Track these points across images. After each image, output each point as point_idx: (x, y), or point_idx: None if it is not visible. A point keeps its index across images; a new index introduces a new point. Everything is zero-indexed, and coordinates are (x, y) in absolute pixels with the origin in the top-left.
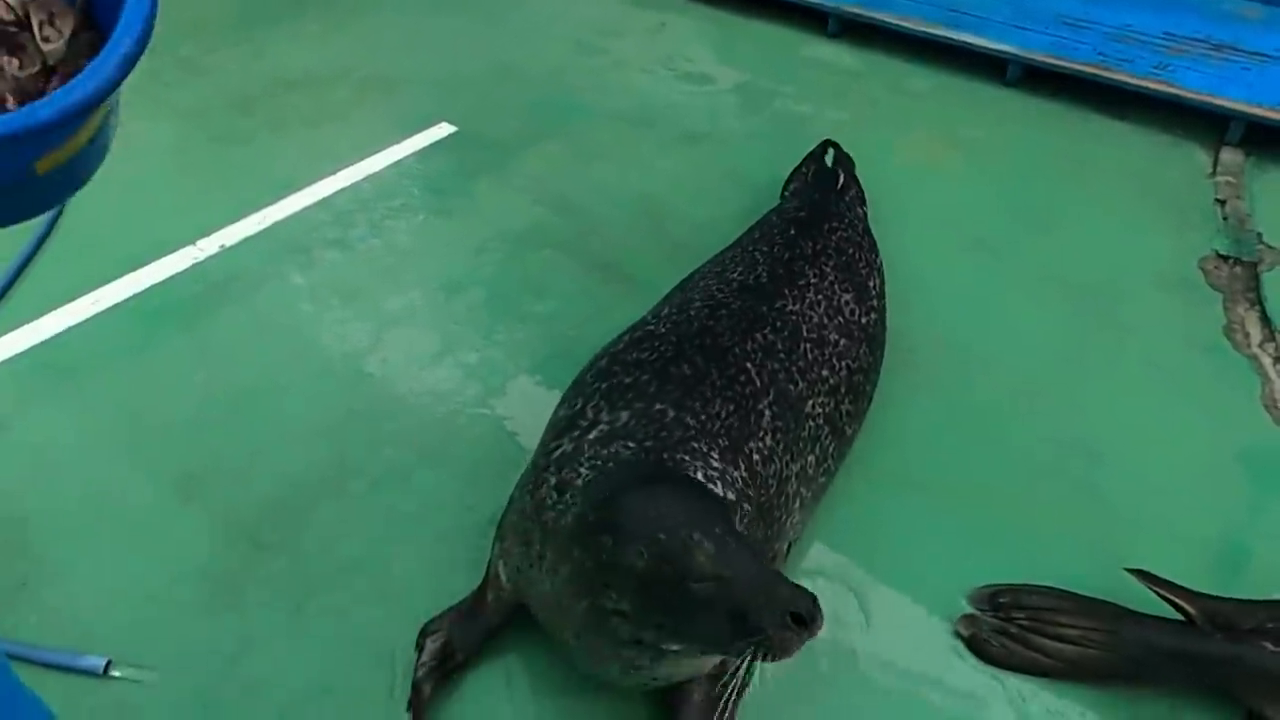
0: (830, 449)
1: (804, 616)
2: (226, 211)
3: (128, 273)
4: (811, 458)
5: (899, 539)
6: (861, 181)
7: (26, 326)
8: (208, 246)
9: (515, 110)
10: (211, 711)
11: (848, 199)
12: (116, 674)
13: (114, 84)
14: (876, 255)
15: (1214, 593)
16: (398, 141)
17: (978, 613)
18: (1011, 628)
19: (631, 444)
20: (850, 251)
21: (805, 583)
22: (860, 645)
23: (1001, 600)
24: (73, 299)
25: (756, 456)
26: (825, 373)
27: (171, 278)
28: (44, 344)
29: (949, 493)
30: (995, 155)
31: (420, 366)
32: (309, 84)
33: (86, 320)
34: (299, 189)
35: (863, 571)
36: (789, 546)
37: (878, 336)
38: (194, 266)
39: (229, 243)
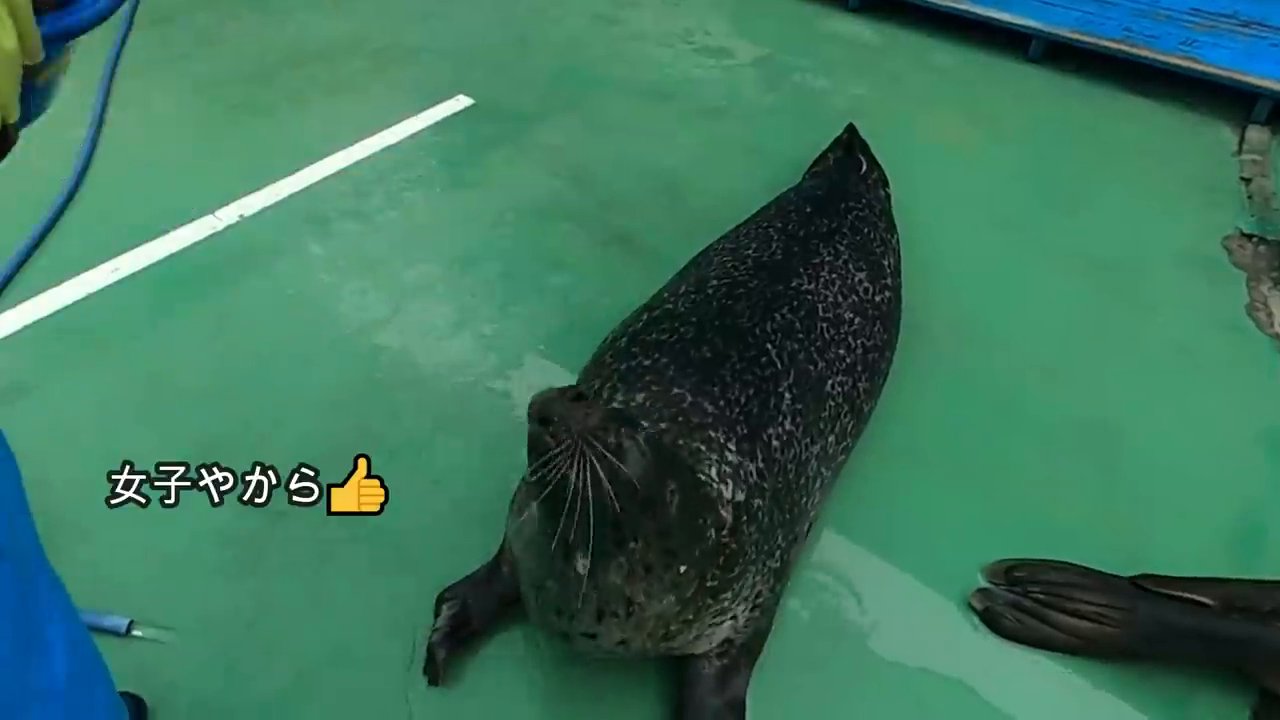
0: (849, 427)
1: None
2: (245, 181)
3: (147, 241)
4: (831, 438)
5: (915, 515)
6: (881, 158)
7: (47, 293)
8: (226, 216)
9: (532, 82)
10: (230, 673)
11: (870, 181)
12: (138, 634)
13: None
14: (893, 235)
15: (1231, 573)
16: (415, 113)
17: (992, 587)
18: (1026, 602)
19: (645, 424)
20: (865, 230)
21: (819, 560)
22: (874, 619)
23: (1018, 575)
24: (93, 266)
25: (775, 443)
26: (842, 351)
27: (190, 246)
28: (64, 310)
29: (966, 469)
30: (1017, 132)
31: (437, 338)
32: (327, 54)
33: (107, 287)
34: (317, 160)
35: (878, 547)
36: (809, 527)
37: (892, 314)
38: (213, 236)
39: (247, 213)
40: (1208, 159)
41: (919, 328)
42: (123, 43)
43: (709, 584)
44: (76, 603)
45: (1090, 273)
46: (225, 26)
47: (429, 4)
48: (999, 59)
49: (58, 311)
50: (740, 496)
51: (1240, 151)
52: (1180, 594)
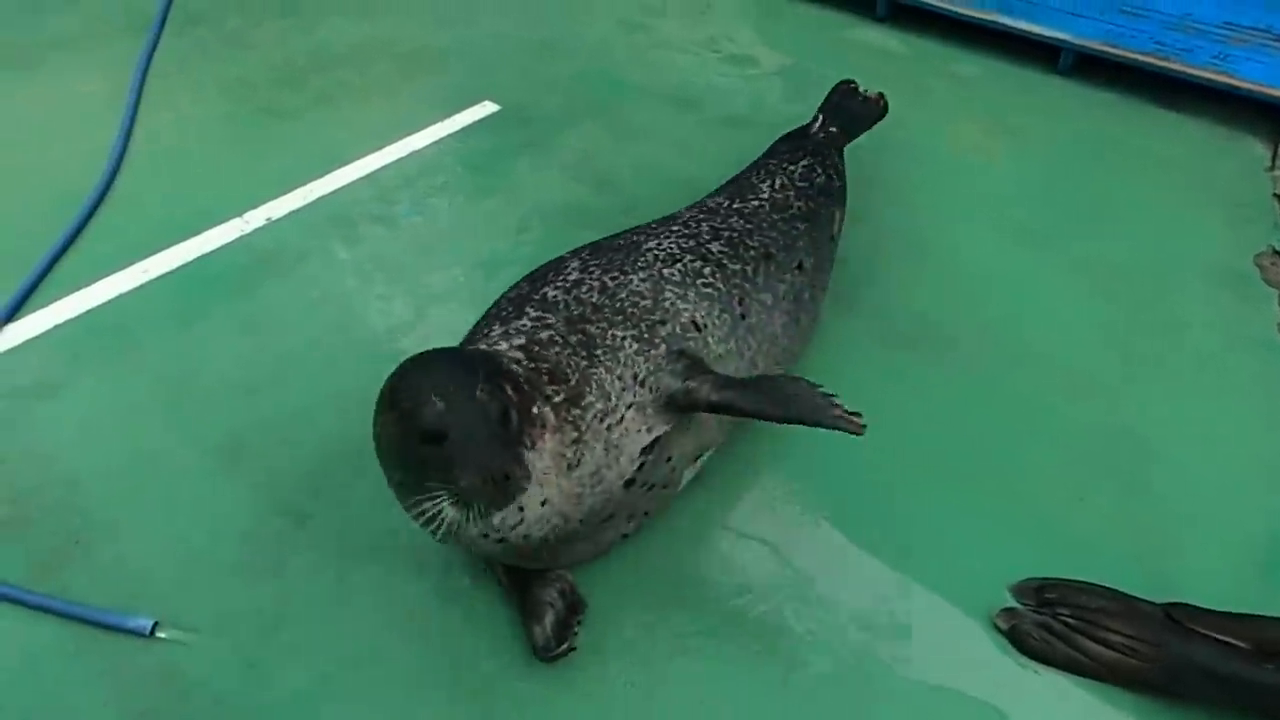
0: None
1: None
2: (273, 185)
3: (177, 243)
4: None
5: (939, 529)
6: (908, 168)
7: (78, 293)
8: (254, 219)
9: (557, 88)
10: (252, 675)
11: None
12: (163, 635)
13: None
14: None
15: (1262, 592)
16: (441, 118)
17: (1020, 606)
18: (1056, 625)
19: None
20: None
21: (842, 571)
22: (896, 632)
23: (1048, 596)
24: (123, 267)
25: (553, 292)
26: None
27: (219, 249)
28: (94, 311)
29: (990, 484)
30: (1045, 144)
31: (461, 342)
32: (354, 59)
33: (136, 288)
34: (344, 164)
35: (901, 559)
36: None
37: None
38: (240, 238)
39: (275, 215)
40: (1239, 174)
41: (945, 338)
42: (154, 45)
43: (556, 401)
44: (103, 601)
45: (1119, 287)
46: (255, 30)
47: (456, 9)
48: (1027, 71)
49: (88, 311)
50: (518, 347)
51: (1273, 167)
52: (1212, 633)
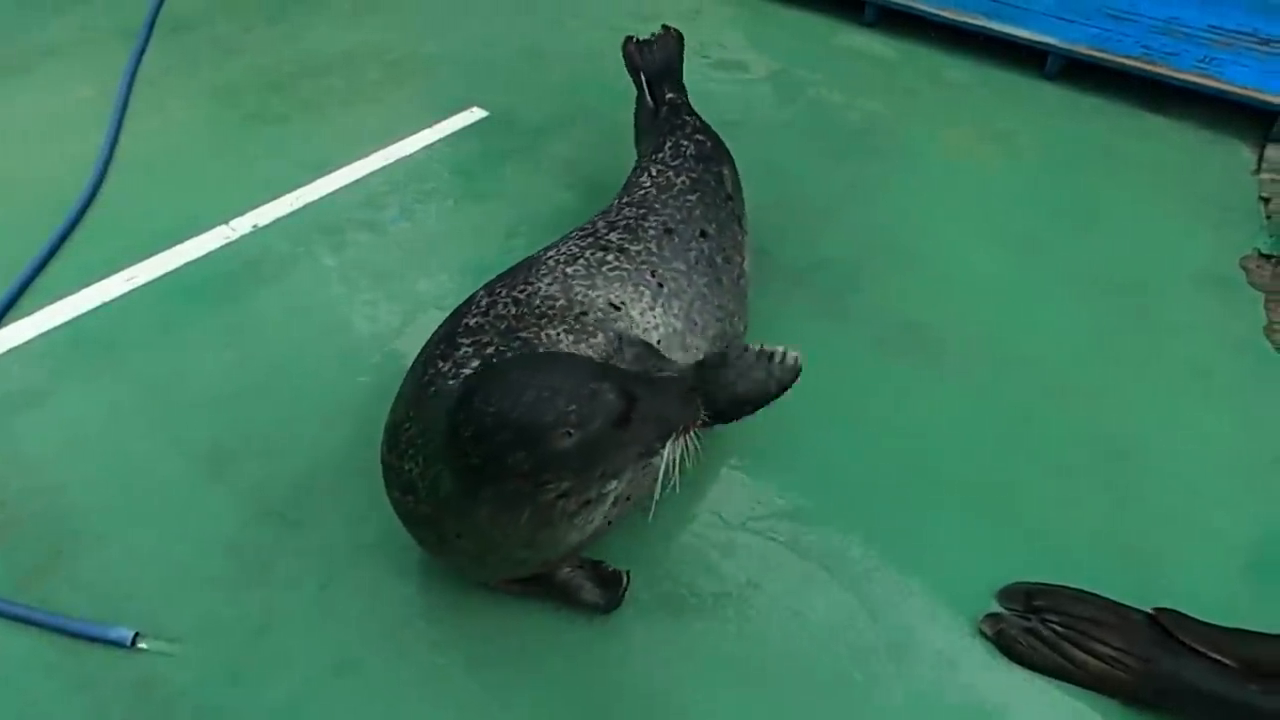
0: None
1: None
2: (260, 191)
3: (162, 250)
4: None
5: (926, 534)
6: (896, 173)
7: (63, 301)
8: (240, 226)
9: (547, 94)
10: (236, 684)
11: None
12: (144, 646)
13: None
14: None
15: (1248, 598)
16: (430, 125)
17: (1005, 611)
18: (1045, 631)
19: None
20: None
21: (828, 577)
22: (882, 637)
23: (1037, 602)
24: (108, 275)
25: (475, 318)
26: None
27: (205, 256)
28: (80, 318)
29: (978, 489)
30: (1033, 149)
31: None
32: (343, 65)
33: (121, 296)
34: (331, 170)
35: (884, 565)
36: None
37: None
38: (227, 245)
39: (261, 222)
40: (1225, 177)
41: (933, 343)
42: (142, 51)
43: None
44: (87, 610)
45: (1105, 291)
46: (244, 36)
47: (445, 16)
48: (1015, 75)
49: (73, 319)
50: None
51: (1259, 170)
52: (1201, 648)
